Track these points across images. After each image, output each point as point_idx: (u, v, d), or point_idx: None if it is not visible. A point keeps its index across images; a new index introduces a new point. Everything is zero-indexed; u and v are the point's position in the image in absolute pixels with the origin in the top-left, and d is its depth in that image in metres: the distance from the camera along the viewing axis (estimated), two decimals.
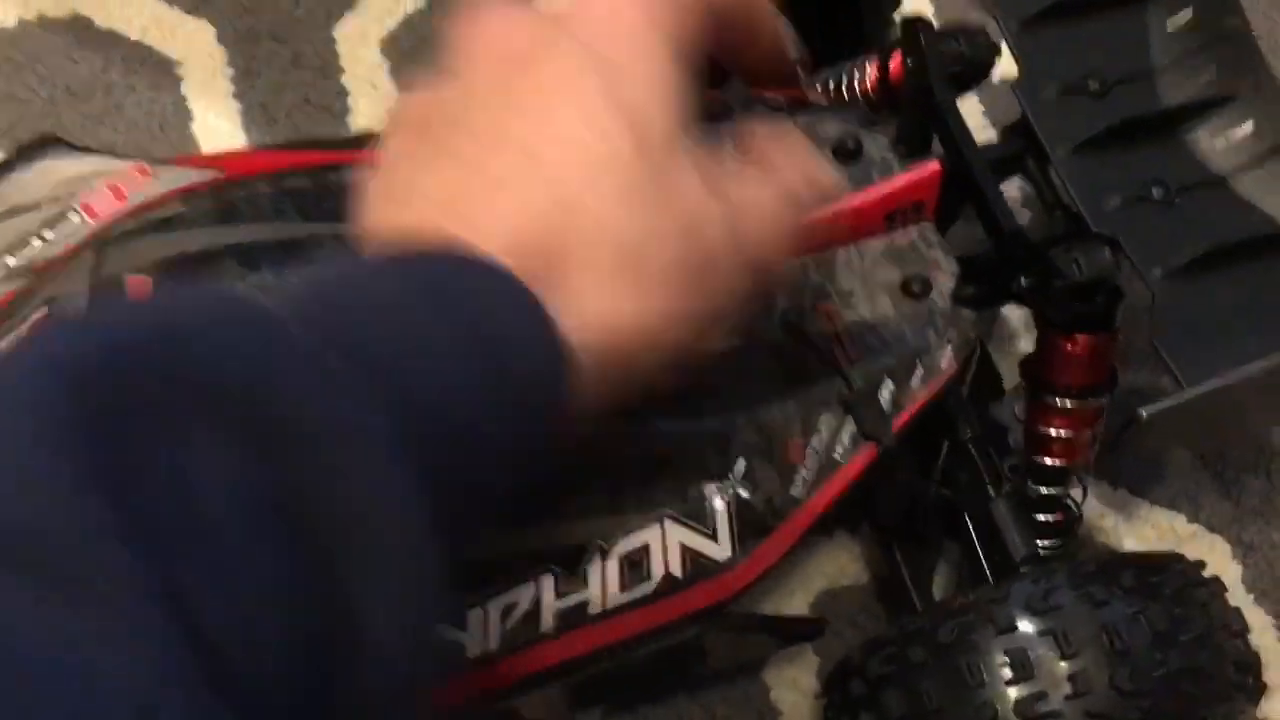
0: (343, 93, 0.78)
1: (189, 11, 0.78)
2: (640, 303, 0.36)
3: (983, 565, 0.58)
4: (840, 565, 0.67)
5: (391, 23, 0.80)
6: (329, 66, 0.78)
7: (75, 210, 0.53)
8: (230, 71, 0.77)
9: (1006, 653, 0.49)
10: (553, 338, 0.33)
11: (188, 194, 0.52)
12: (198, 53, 0.77)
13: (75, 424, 0.25)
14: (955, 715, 0.50)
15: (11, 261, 0.53)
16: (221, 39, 0.78)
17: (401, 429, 0.29)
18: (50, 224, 0.53)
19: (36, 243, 0.53)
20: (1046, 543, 0.59)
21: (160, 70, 0.76)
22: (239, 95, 0.77)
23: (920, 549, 0.61)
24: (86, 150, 0.56)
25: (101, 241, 0.50)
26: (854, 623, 0.65)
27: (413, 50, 0.80)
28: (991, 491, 0.57)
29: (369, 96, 0.78)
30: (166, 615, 0.24)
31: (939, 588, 0.63)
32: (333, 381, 0.28)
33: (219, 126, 0.76)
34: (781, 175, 0.41)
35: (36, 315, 0.49)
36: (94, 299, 0.48)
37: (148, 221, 0.51)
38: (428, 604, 0.29)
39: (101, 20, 0.77)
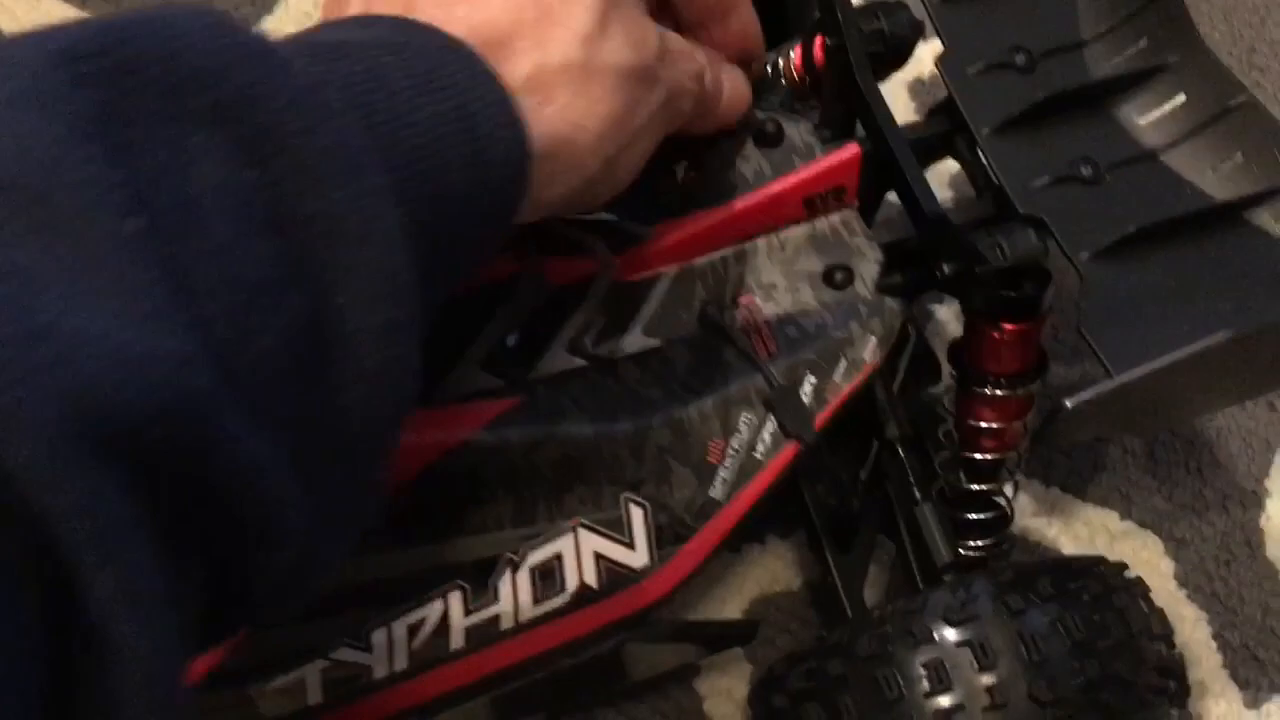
0: None
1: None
2: (588, 104, 0.39)
3: (909, 571, 0.56)
4: (773, 572, 0.64)
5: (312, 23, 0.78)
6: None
7: None
8: None
9: (925, 665, 0.47)
10: (515, 118, 0.36)
11: None
12: None
13: (76, 89, 0.26)
14: None
15: None
16: None
17: (386, 162, 0.31)
18: None
19: None
20: (979, 543, 0.57)
21: None
22: None
23: (851, 552, 0.58)
24: None
25: None
26: (788, 630, 0.62)
27: None
28: (918, 494, 0.55)
29: None
30: (169, 292, 0.26)
31: (877, 592, 0.61)
32: (327, 109, 0.30)
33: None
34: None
35: None
36: None
37: None
38: (404, 316, 0.31)
39: None
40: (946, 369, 0.62)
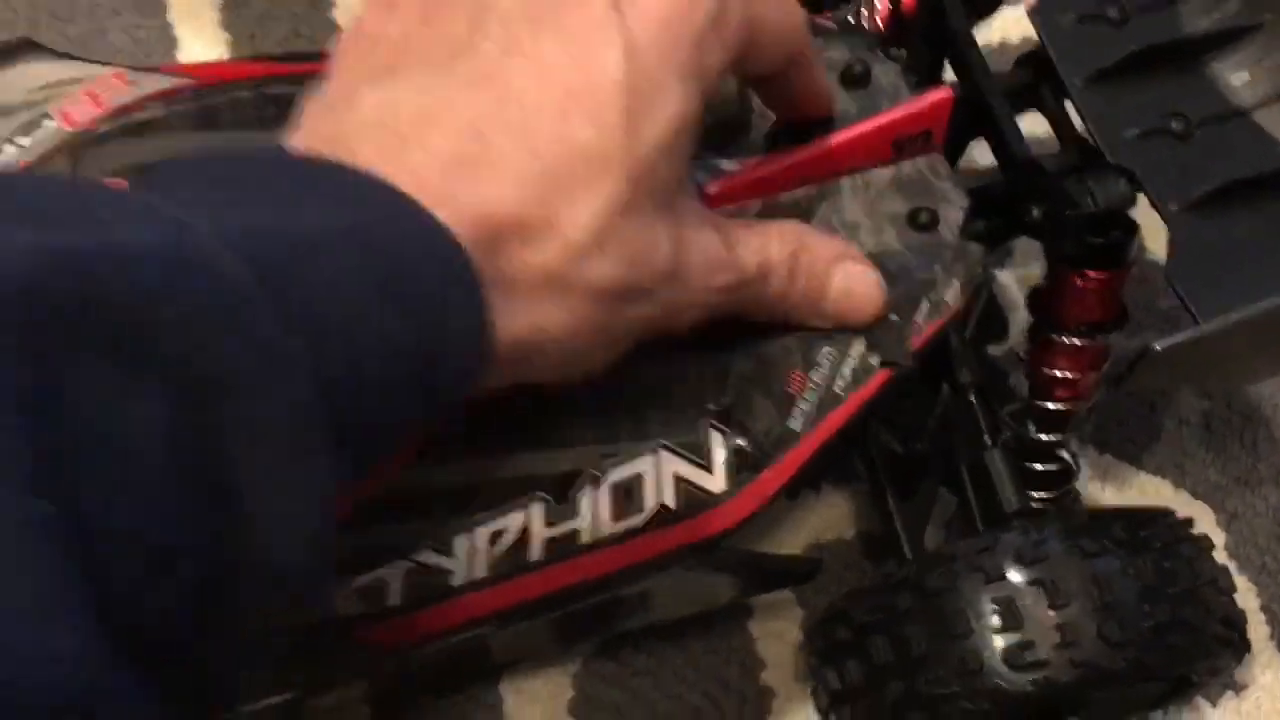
0: (333, 26, 0.76)
1: None
2: (560, 314, 0.36)
3: (975, 516, 0.56)
4: (828, 520, 0.65)
5: None
6: None
7: (51, 116, 0.51)
8: (218, 1, 0.75)
9: (994, 601, 0.48)
10: (483, 327, 0.34)
11: (168, 97, 0.49)
12: None
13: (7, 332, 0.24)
14: (942, 662, 0.48)
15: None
16: None
17: (318, 373, 0.29)
18: (25, 130, 0.51)
19: (10, 149, 0.51)
20: (1042, 494, 0.57)
21: None
22: (226, 25, 0.74)
23: (914, 498, 0.59)
24: (64, 56, 0.54)
25: (76, 146, 0.48)
26: (840, 579, 0.63)
27: None
28: (988, 440, 0.55)
29: None
30: (73, 581, 0.24)
31: (931, 541, 0.62)
32: (284, 368, 0.28)
33: (205, 56, 0.73)
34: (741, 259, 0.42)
35: None
36: None
37: (125, 125, 0.49)
38: (323, 563, 0.32)
39: None
40: (1015, 327, 0.63)
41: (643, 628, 0.59)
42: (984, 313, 0.60)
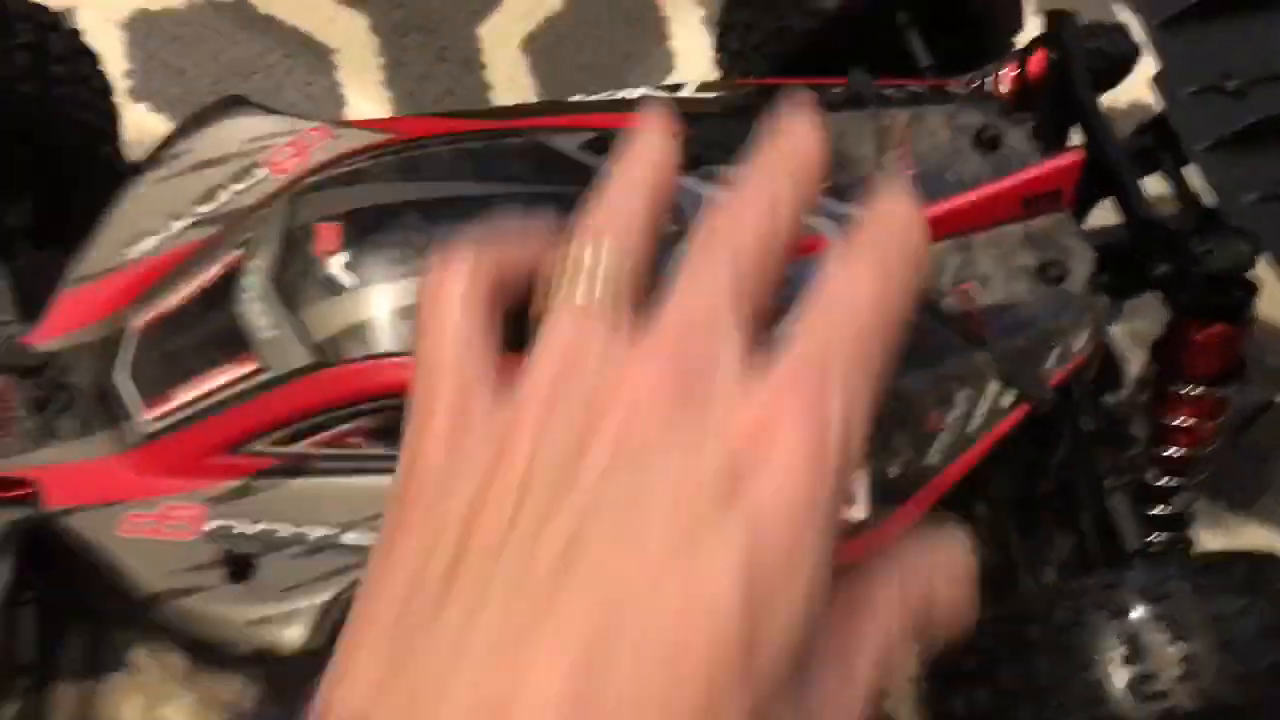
0: (485, 86, 0.82)
1: (345, 2, 0.83)
2: None
3: (1094, 555, 0.59)
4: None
5: (531, 23, 0.84)
6: (472, 61, 0.82)
7: (260, 165, 0.57)
8: (381, 61, 0.82)
9: (1120, 635, 0.51)
10: None
11: (374, 150, 0.55)
12: (352, 42, 0.82)
13: None
14: (1066, 692, 0.51)
15: (200, 210, 0.57)
16: (374, 30, 0.82)
17: None
18: (238, 178, 0.57)
19: (224, 195, 0.57)
20: (1159, 537, 0.60)
21: (317, 56, 0.81)
22: (388, 84, 0.81)
23: (1033, 537, 0.62)
24: (270, 111, 0.60)
25: (293, 193, 0.54)
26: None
27: (551, 49, 0.83)
28: (1110, 483, 0.58)
29: (509, 91, 0.82)
30: None
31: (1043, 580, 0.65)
32: None
33: (370, 112, 0.80)
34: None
35: (232, 256, 0.53)
36: (284, 243, 0.52)
37: (335, 175, 0.54)
38: None
39: (263, 6, 0.82)
40: (1130, 374, 0.66)
41: None
42: (1101, 364, 0.64)
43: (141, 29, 0.80)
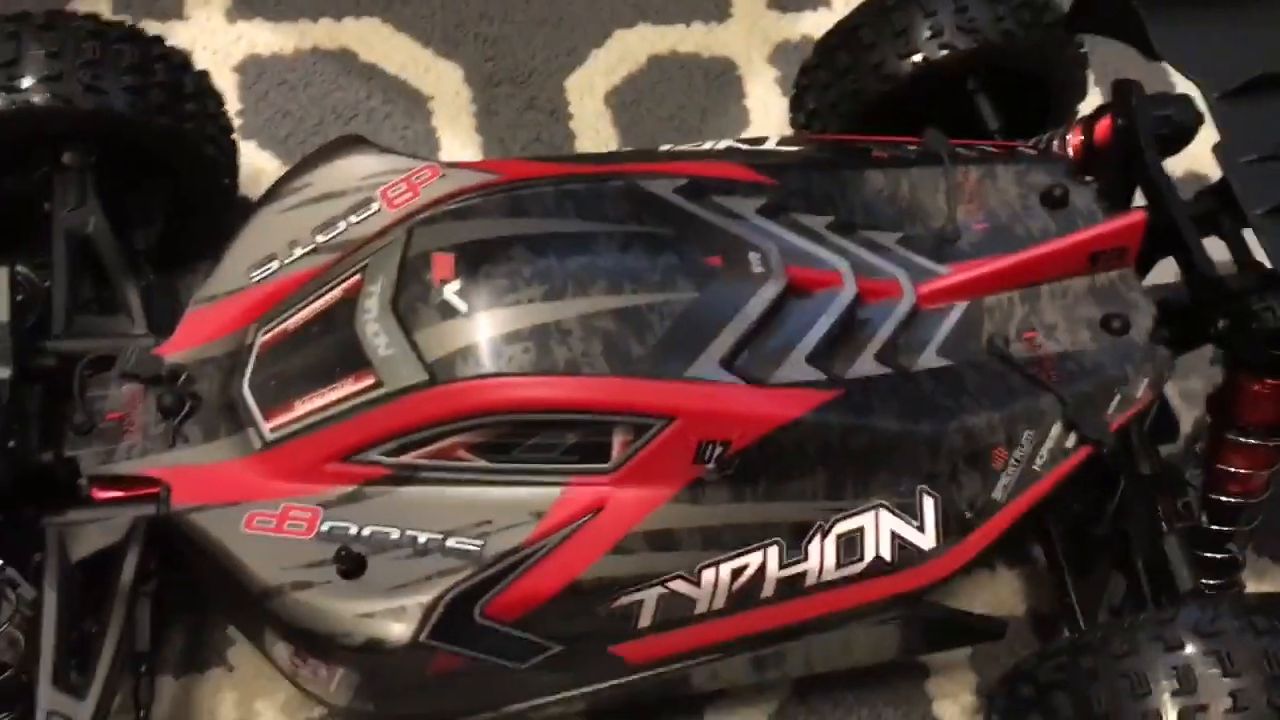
0: (570, 135, 0.87)
1: (441, 54, 0.88)
2: None
3: (1148, 595, 0.62)
4: (1000, 597, 0.71)
5: (615, 78, 0.89)
6: (559, 111, 0.87)
7: (375, 200, 0.62)
8: (474, 109, 0.87)
9: (1174, 667, 0.53)
10: None
11: (485, 189, 0.60)
12: (447, 90, 0.87)
13: None
14: None
15: (321, 239, 0.62)
16: (467, 80, 0.87)
17: None
18: (355, 210, 0.62)
19: (342, 225, 0.62)
20: (1210, 582, 0.62)
21: (414, 103, 0.86)
22: (480, 130, 0.86)
23: (1089, 577, 0.65)
24: (386, 150, 0.65)
25: (410, 225, 0.58)
26: (1012, 650, 0.68)
27: (633, 103, 0.88)
28: (1164, 527, 0.61)
29: (593, 140, 0.86)
30: None
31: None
32: None
33: (463, 156, 0.84)
34: None
35: (351, 280, 0.58)
36: (402, 271, 0.56)
37: (450, 210, 0.59)
38: None
39: (365, 55, 0.87)
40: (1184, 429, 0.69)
41: (831, 677, 0.66)
42: (1157, 416, 0.67)
43: (252, 72, 0.85)
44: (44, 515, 0.55)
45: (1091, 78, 0.77)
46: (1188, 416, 0.71)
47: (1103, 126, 0.65)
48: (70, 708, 0.52)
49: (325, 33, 0.88)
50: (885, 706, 0.68)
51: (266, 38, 0.87)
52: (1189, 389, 0.75)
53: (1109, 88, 0.66)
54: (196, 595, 0.64)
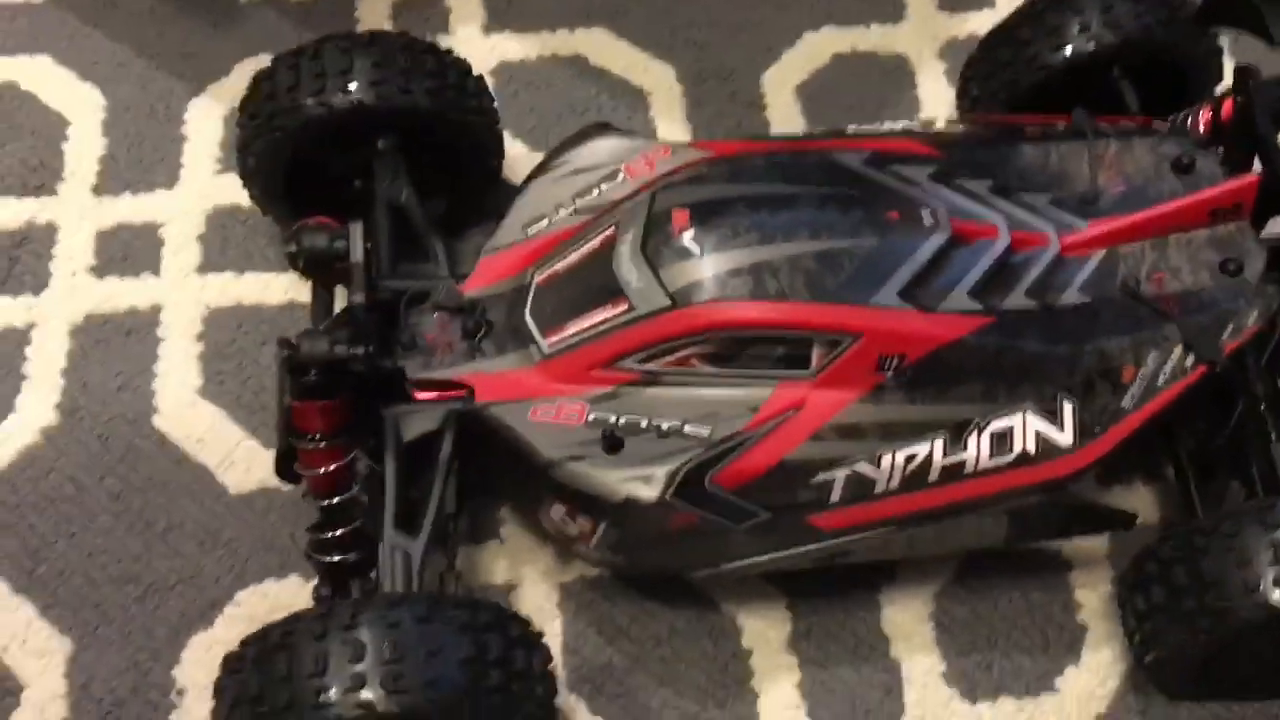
0: (765, 123, 1.02)
1: (656, 56, 1.05)
2: None
3: (1259, 496, 0.73)
4: (1134, 507, 0.82)
5: (804, 73, 1.04)
6: (756, 103, 1.03)
7: (621, 171, 0.79)
8: (684, 102, 1.03)
9: (1272, 544, 0.65)
10: None
11: (709, 161, 0.76)
12: (662, 87, 1.03)
13: None
14: (1226, 584, 0.66)
15: (580, 203, 0.79)
16: (679, 78, 1.04)
17: None
18: (606, 180, 0.80)
19: (595, 191, 0.79)
20: None
21: (636, 98, 1.03)
22: (689, 119, 1.02)
23: (1210, 485, 0.76)
24: (628, 133, 0.82)
25: (653, 190, 0.75)
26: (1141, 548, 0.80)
27: (819, 94, 1.03)
28: (1275, 437, 0.73)
29: (784, 126, 1.02)
30: None
31: None
32: None
33: (675, 139, 1.01)
34: None
35: (608, 232, 0.75)
36: (649, 224, 0.73)
37: (683, 178, 0.76)
38: None
39: (594, 59, 1.05)
40: None
41: (986, 566, 0.80)
42: (1275, 352, 0.78)
43: (504, 76, 1.04)
44: (383, 408, 0.74)
45: (1229, 65, 0.89)
46: None
47: (1227, 105, 0.77)
48: (406, 543, 0.70)
49: (561, 42, 1.05)
50: (1034, 590, 0.81)
51: (515, 47, 1.05)
52: None
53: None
54: (480, 484, 0.82)
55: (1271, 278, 0.72)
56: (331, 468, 0.71)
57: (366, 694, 0.61)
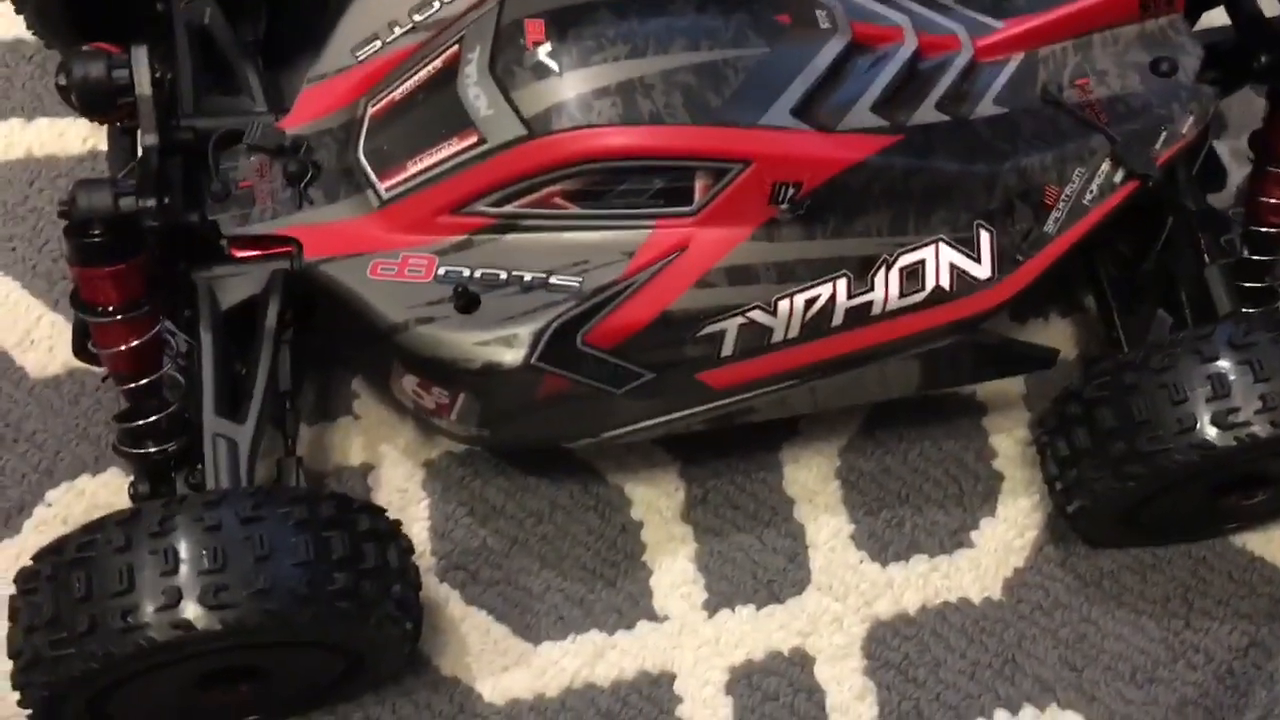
0: None
1: None
2: None
3: (1189, 324, 0.66)
4: (1053, 343, 0.75)
5: None
6: None
7: None
8: None
9: (1208, 376, 0.59)
10: None
11: None
12: None
13: None
14: (1160, 424, 0.59)
15: (418, 18, 0.67)
16: None
17: None
18: None
19: (436, 3, 0.67)
20: (1248, 311, 0.67)
21: None
22: None
23: (1136, 314, 0.70)
24: None
25: None
26: (1061, 388, 0.74)
27: None
28: (1207, 258, 0.66)
29: None
30: None
31: None
32: None
33: None
34: None
35: (450, 51, 0.63)
36: (497, 38, 0.61)
37: None
38: None
39: None
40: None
41: (895, 415, 0.72)
42: (1205, 165, 0.71)
43: None
44: (193, 271, 0.62)
45: None
46: (1237, 173, 0.74)
47: None
48: (231, 430, 0.60)
49: None
50: (946, 439, 0.74)
51: None
52: (1239, 148, 0.78)
53: None
54: (326, 353, 0.72)
55: (1208, 78, 0.64)
56: (133, 344, 0.60)
57: (184, 611, 0.51)
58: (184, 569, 0.52)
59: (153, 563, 0.52)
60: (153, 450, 0.62)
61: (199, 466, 0.61)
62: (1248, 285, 0.67)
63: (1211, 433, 0.59)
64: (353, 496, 0.60)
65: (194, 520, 0.53)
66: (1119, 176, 0.62)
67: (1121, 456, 0.61)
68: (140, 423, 0.61)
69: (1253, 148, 0.65)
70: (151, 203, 0.57)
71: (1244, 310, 0.65)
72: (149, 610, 0.52)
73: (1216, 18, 0.68)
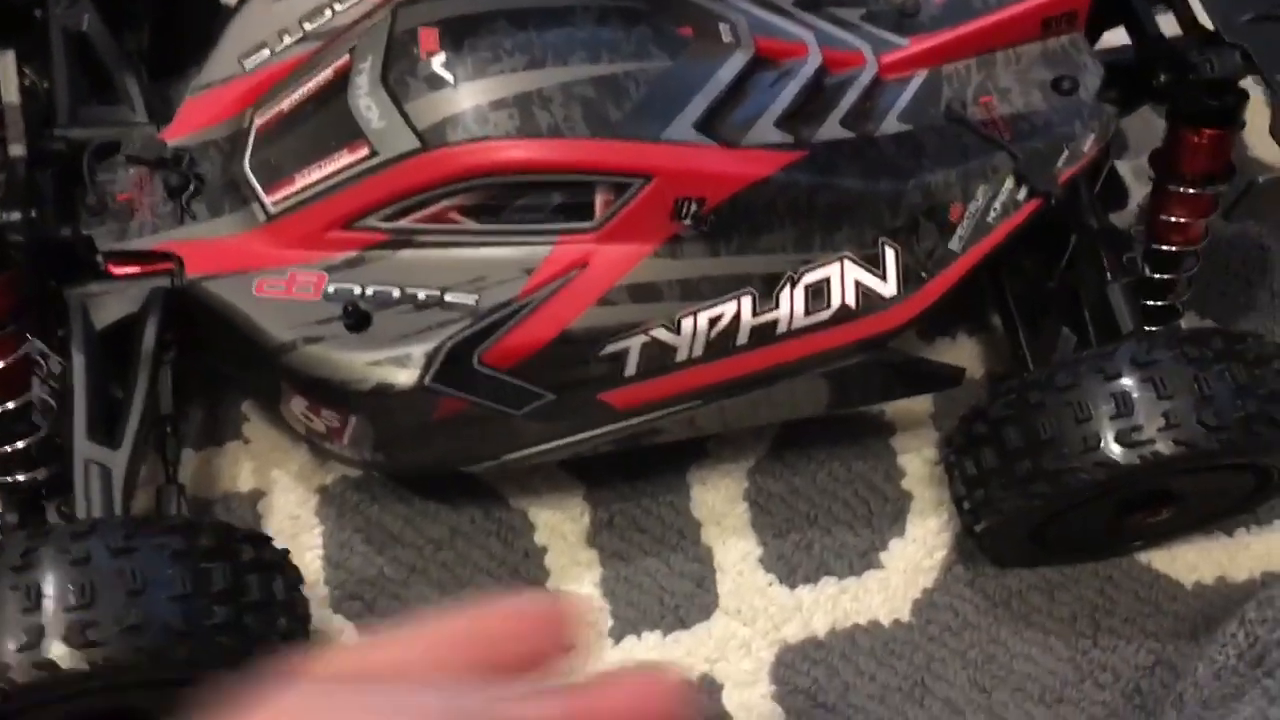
0: None
1: None
2: None
3: (1092, 342, 0.66)
4: (960, 362, 0.74)
5: None
6: None
7: None
8: None
9: (1112, 395, 0.58)
10: None
11: None
12: None
13: None
14: (1065, 443, 0.59)
15: (309, 26, 0.65)
16: None
17: None
18: None
19: (329, 12, 0.65)
20: (1151, 329, 0.67)
21: None
22: None
23: (1041, 334, 0.70)
24: None
25: (394, 5, 0.61)
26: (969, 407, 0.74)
27: None
28: (1109, 276, 0.65)
29: None
30: None
31: None
32: None
33: None
34: None
35: (341, 61, 0.60)
36: (390, 47, 0.59)
37: None
38: None
39: None
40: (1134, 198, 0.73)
41: (804, 437, 0.71)
42: (1107, 184, 0.71)
43: None
44: (66, 289, 0.59)
45: None
46: (1138, 191, 0.75)
47: None
48: (105, 456, 0.56)
49: None
50: (855, 460, 0.73)
51: None
52: (1140, 166, 0.79)
53: None
54: (212, 375, 0.69)
55: (1108, 96, 0.64)
56: None
57: (47, 651, 0.48)
58: (48, 605, 0.49)
59: (14, 599, 0.49)
60: (21, 478, 0.59)
61: (71, 496, 0.58)
62: (1150, 304, 0.67)
63: (1116, 450, 0.58)
64: (236, 525, 0.57)
65: (60, 553, 0.50)
66: (1022, 194, 0.62)
67: (1028, 475, 0.60)
68: (7, 449, 0.58)
69: (1153, 166, 0.66)
70: (17, 216, 0.54)
71: (1146, 329, 0.65)
72: (9, 650, 0.48)
73: (1117, 37, 0.69)
